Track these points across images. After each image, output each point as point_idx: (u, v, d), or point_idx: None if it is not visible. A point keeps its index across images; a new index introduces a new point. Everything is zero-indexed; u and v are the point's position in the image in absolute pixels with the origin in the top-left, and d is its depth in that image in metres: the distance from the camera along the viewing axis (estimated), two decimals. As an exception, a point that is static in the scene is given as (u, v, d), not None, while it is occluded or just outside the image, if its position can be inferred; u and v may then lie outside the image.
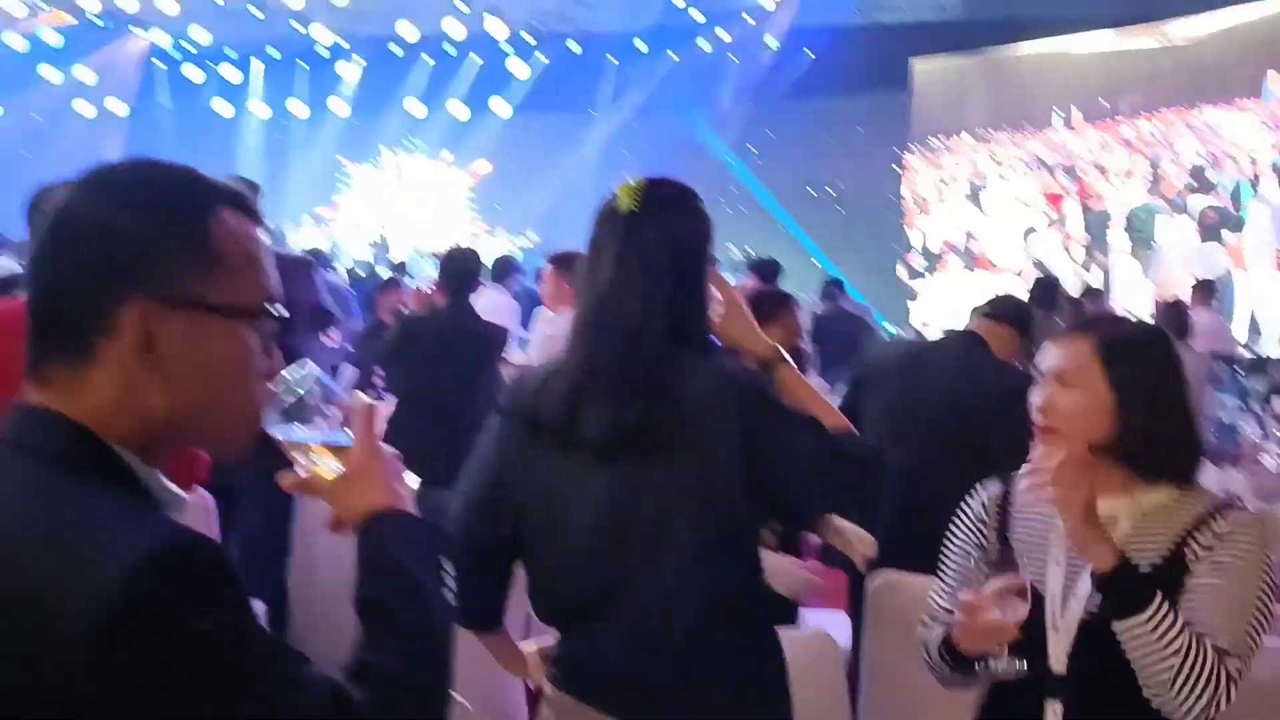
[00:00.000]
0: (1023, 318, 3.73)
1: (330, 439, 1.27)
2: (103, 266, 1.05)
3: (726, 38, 17.58)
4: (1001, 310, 3.75)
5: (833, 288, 10.22)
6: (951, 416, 3.48)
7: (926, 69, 16.73)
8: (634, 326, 1.84)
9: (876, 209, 17.59)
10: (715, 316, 1.94)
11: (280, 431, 1.24)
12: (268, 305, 1.13)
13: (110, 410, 1.05)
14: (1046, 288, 7.15)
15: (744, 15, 16.89)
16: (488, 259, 15.85)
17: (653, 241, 1.87)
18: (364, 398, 1.28)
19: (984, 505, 2.10)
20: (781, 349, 2.01)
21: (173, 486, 1.13)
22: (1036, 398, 1.94)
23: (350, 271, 17.00)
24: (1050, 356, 1.95)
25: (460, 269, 5.05)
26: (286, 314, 1.16)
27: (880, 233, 17.27)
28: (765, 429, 1.81)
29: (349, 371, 8.62)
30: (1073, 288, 10.52)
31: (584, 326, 1.91)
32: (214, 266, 1.08)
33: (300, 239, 18.89)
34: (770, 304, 3.55)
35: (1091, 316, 1.87)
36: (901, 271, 16.91)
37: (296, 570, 4.14)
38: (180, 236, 1.07)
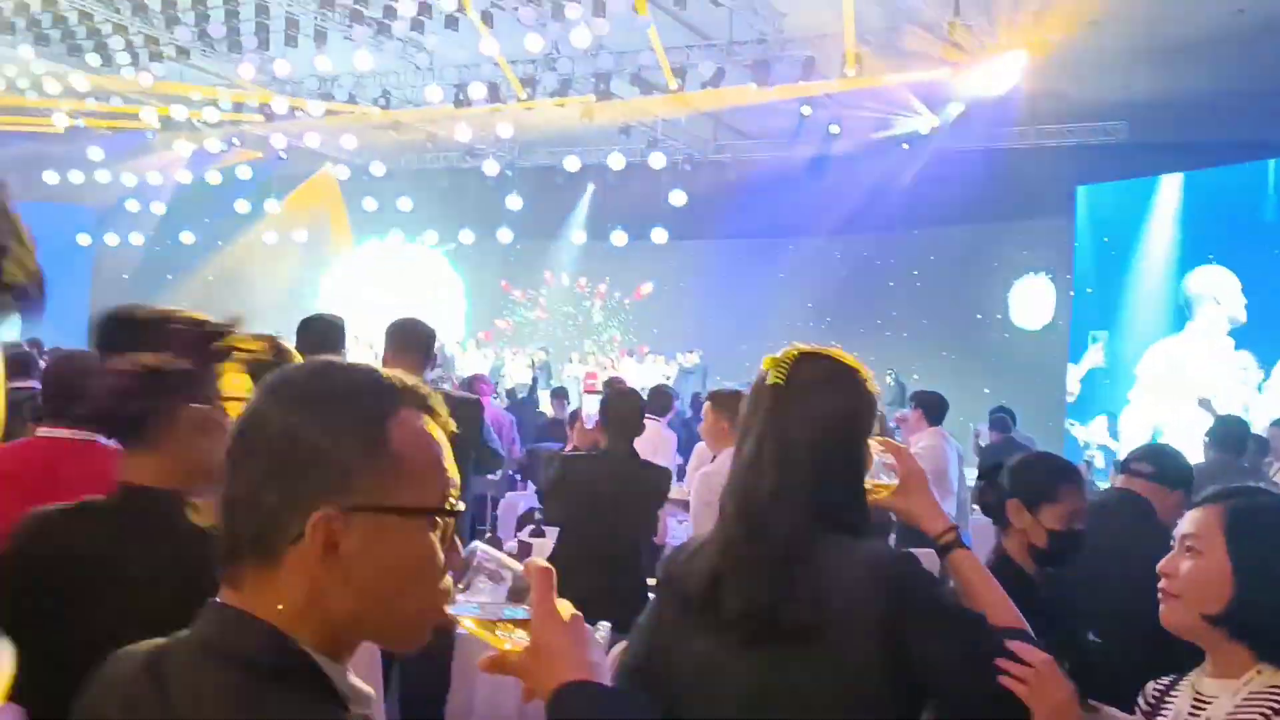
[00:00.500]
0: (1186, 479, 3.36)
1: (509, 614, 1.25)
2: (291, 477, 1.09)
3: (885, 162, 17.61)
4: (1163, 471, 3.36)
5: (1003, 416, 9.54)
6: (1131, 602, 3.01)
7: (1091, 194, 16.42)
8: (765, 506, 1.79)
9: (1041, 334, 17.21)
10: (882, 489, 1.89)
11: (461, 608, 1.22)
12: (447, 502, 1.15)
13: (298, 612, 1.09)
14: (1230, 430, 6.12)
15: (903, 144, 16.91)
16: (648, 379, 16.23)
17: (796, 419, 1.81)
18: (539, 562, 1.26)
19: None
20: (957, 529, 1.92)
21: (361, 684, 1.15)
22: (1164, 560, 1.90)
23: (510, 392, 17.46)
24: (1183, 522, 1.91)
25: (624, 412, 4.95)
26: (462, 507, 1.18)
27: (1043, 358, 16.85)
28: (914, 625, 1.69)
29: (507, 502, 8.75)
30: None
31: (725, 500, 1.88)
32: (395, 469, 1.11)
33: (467, 362, 19.50)
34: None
35: (1231, 486, 1.77)
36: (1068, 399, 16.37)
37: (455, 706, 4.18)
38: (363, 444, 1.10)
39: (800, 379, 1.84)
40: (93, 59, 15.11)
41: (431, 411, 1.18)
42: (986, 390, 15.29)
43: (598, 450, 5.08)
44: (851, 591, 1.71)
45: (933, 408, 7.30)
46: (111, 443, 1.94)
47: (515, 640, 1.25)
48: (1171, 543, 1.93)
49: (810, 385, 1.84)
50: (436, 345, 4.78)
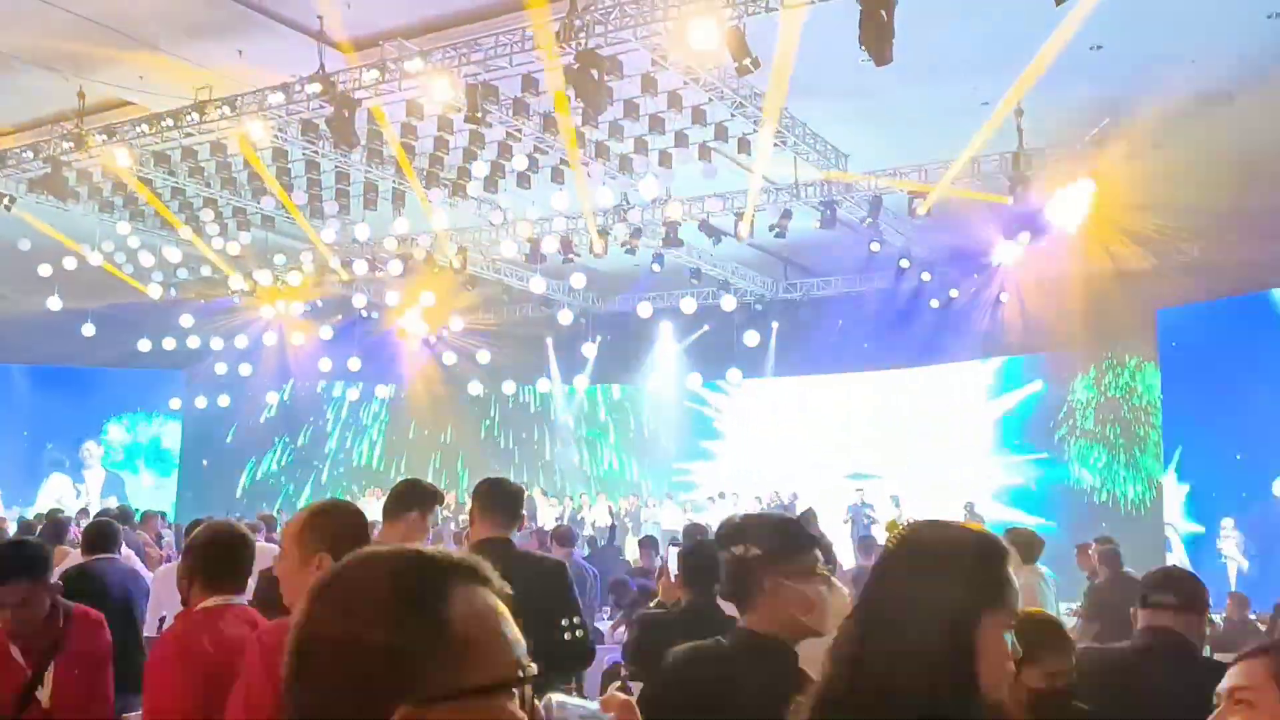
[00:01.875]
0: (1203, 602, 3.26)
1: None
2: (360, 684, 1.05)
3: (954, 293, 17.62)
4: (1185, 598, 3.23)
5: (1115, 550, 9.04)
6: None
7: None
8: (841, 679, 1.74)
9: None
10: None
11: None
12: (518, 670, 1.12)
13: None
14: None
15: (975, 274, 16.92)
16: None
17: (889, 593, 1.74)
18: (619, 696, 1.24)
19: None
20: None
21: None
22: (1212, 716, 1.79)
23: (590, 539, 17.38)
24: (1231, 676, 1.81)
25: (702, 564, 4.81)
26: (536, 670, 1.14)
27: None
28: None
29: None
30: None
31: (827, 656, 1.81)
32: (461, 651, 1.08)
33: (543, 513, 19.51)
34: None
35: (1275, 639, 1.70)
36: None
37: None
38: (425, 634, 1.07)
39: (908, 548, 1.76)
40: (185, 231, 15.80)
41: (485, 580, 1.16)
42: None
43: (678, 606, 4.88)
44: None
45: (1026, 545, 6.96)
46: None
47: None
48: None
49: (918, 554, 1.75)
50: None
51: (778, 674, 2.44)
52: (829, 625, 2.48)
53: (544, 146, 12.69)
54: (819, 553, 2.62)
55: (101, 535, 6.10)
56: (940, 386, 19.66)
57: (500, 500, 4.43)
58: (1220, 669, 2.78)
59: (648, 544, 11.41)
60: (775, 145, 12.35)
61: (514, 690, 1.11)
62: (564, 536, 9.28)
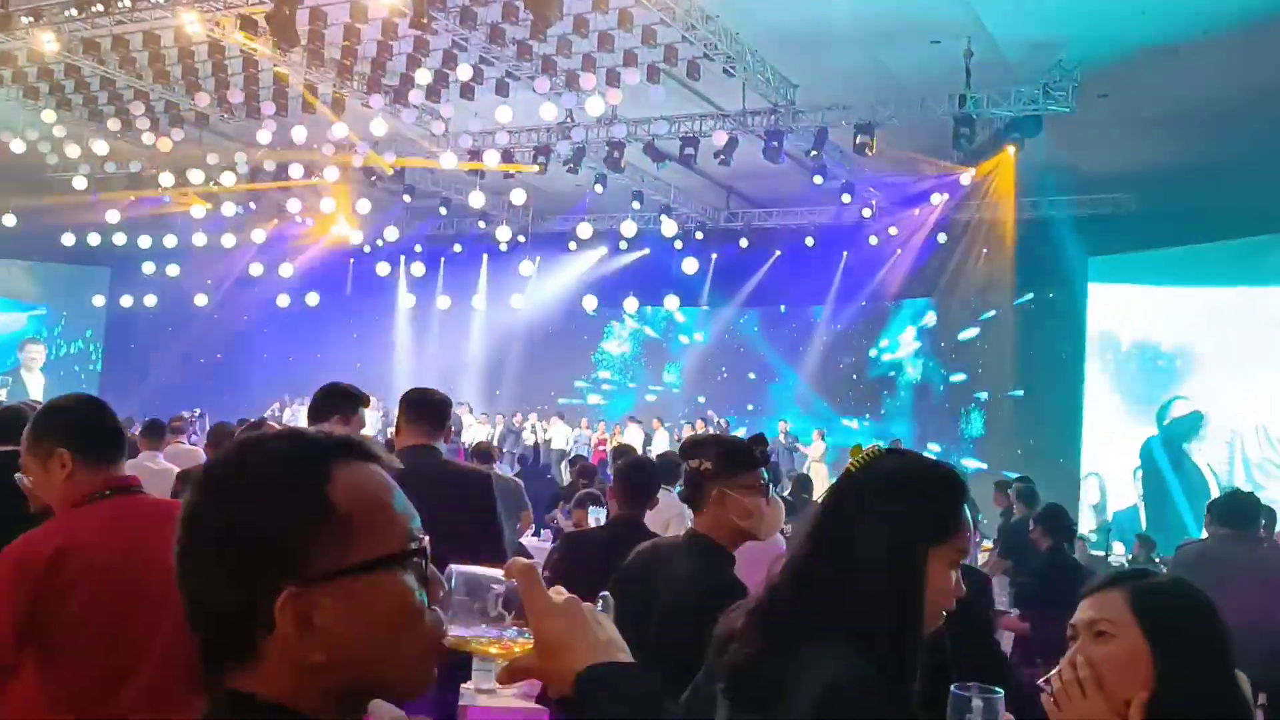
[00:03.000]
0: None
1: (512, 636, 1.20)
2: (241, 569, 1.05)
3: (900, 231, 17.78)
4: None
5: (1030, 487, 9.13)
6: None
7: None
8: (789, 589, 1.76)
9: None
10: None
11: (457, 635, 1.17)
12: (410, 542, 1.11)
13: (293, 689, 1.06)
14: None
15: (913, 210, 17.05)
16: (657, 447, 16.16)
17: (848, 511, 1.77)
18: (520, 561, 1.21)
19: None
20: None
21: None
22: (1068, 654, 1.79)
23: (521, 457, 17.43)
24: (1085, 608, 1.80)
25: (639, 481, 4.81)
26: (425, 539, 1.13)
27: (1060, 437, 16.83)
28: None
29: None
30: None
31: (772, 567, 1.84)
32: (345, 529, 1.07)
33: (472, 432, 19.49)
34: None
35: (1124, 570, 1.74)
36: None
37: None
38: (306, 514, 1.06)
39: (870, 473, 1.80)
40: (113, 124, 15.31)
41: (371, 457, 1.15)
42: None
43: (605, 525, 4.97)
44: (799, 694, 1.63)
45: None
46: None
47: (521, 643, 1.20)
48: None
49: (874, 481, 1.78)
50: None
51: (713, 568, 2.88)
52: (765, 532, 3.07)
53: (490, 58, 12.45)
54: (763, 471, 3.01)
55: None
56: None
57: (426, 409, 4.40)
58: None
59: (577, 463, 11.51)
60: (725, 72, 12.23)
61: (408, 563, 1.10)
62: (483, 453, 9.27)
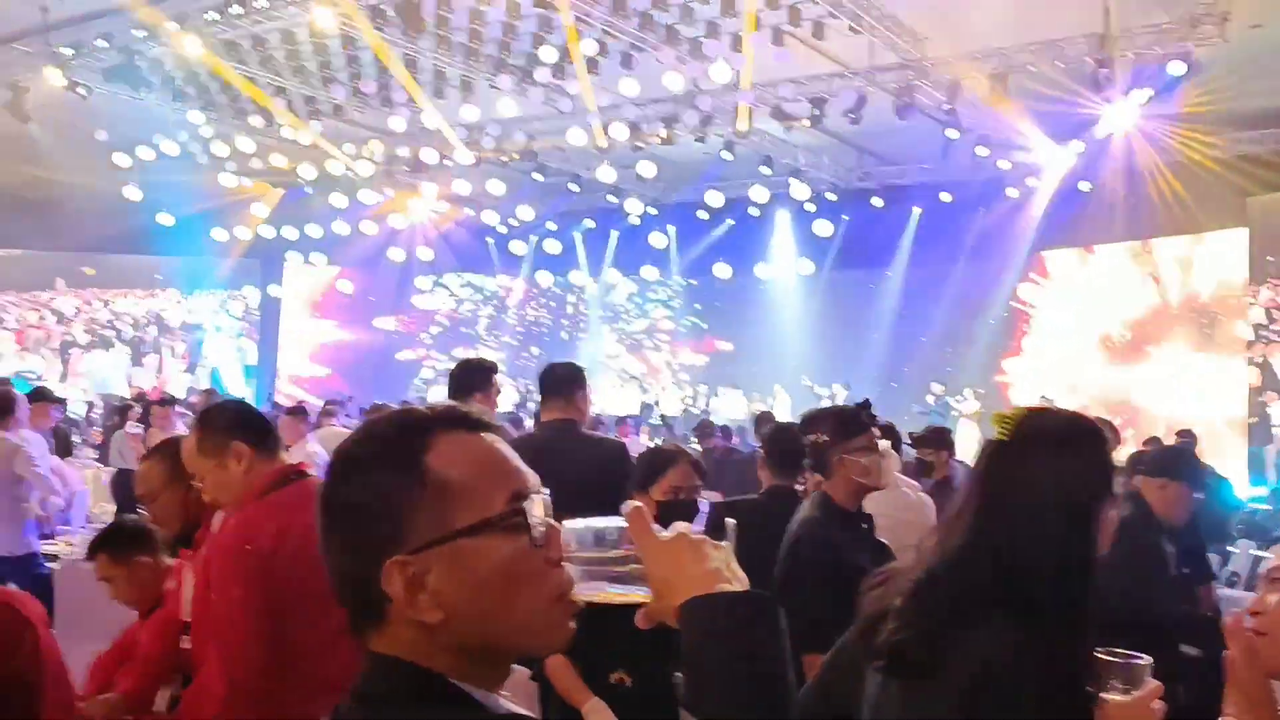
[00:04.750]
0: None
1: (637, 590, 1.23)
2: (355, 542, 1.13)
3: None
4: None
5: None
6: None
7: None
8: (950, 562, 1.72)
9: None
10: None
11: (586, 590, 1.20)
12: (515, 503, 1.14)
13: (423, 649, 1.11)
14: None
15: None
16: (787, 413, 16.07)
17: (1007, 478, 1.73)
18: (628, 505, 1.24)
19: None
20: None
21: (516, 708, 1.16)
22: (1254, 599, 1.78)
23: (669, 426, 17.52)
24: (1273, 557, 1.81)
25: (789, 449, 4.64)
26: (538, 499, 1.16)
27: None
28: None
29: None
30: None
31: (927, 539, 1.83)
32: (444, 495, 1.11)
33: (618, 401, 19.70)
34: None
35: None
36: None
37: None
38: (403, 486, 1.11)
39: (1024, 437, 1.76)
40: (255, 120, 15.86)
41: (477, 426, 1.19)
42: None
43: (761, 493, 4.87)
44: (959, 667, 1.61)
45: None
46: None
47: (644, 593, 1.22)
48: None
49: (1032, 446, 1.75)
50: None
51: (854, 530, 3.37)
52: (884, 482, 3.49)
53: (614, 32, 12.46)
54: (875, 430, 3.47)
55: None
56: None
57: (552, 383, 4.49)
58: None
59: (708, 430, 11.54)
60: (851, 30, 11.98)
61: (512, 524, 1.13)
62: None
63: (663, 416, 20.43)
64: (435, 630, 1.10)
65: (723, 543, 1.26)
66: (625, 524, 1.22)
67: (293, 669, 2.82)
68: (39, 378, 20.90)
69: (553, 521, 1.17)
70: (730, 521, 1.38)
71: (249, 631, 2.77)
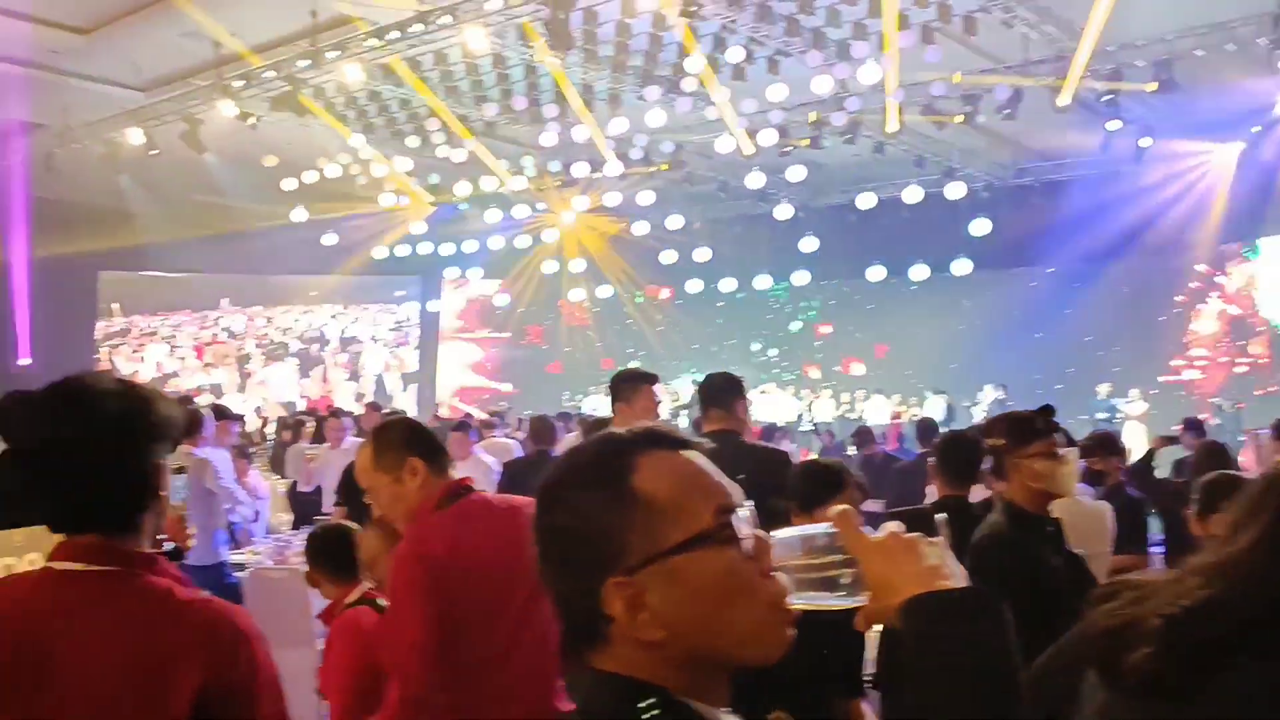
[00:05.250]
0: None
1: (854, 601, 1.24)
2: (573, 566, 1.16)
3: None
4: None
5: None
6: None
7: None
8: (1229, 597, 1.50)
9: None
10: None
11: (801, 600, 1.21)
12: (723, 517, 1.15)
13: (645, 665, 1.14)
14: None
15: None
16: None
17: None
18: (836, 508, 1.26)
19: None
20: None
21: None
22: None
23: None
24: None
25: (962, 458, 4.48)
26: (742, 511, 1.17)
27: None
28: None
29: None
30: None
31: (1195, 562, 1.64)
32: (653, 515, 1.14)
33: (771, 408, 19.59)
34: None
35: None
36: None
37: None
38: (614, 508, 1.14)
39: None
40: (411, 141, 16.37)
41: (677, 444, 1.21)
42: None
43: (931, 504, 4.75)
44: (1217, 706, 1.43)
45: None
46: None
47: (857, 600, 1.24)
48: None
49: None
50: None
51: (1040, 533, 3.35)
52: (1063, 489, 3.41)
53: (759, 38, 12.43)
54: (1054, 435, 3.41)
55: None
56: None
57: (713, 392, 4.52)
58: None
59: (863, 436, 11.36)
60: (1004, 25, 11.69)
61: (722, 538, 1.15)
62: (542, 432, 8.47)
63: (815, 424, 20.26)
64: (657, 647, 1.13)
65: (936, 538, 1.26)
66: (832, 529, 1.23)
67: (466, 680, 2.88)
68: (222, 391, 22.06)
69: (761, 533, 1.19)
70: (941, 516, 1.37)
71: (421, 641, 2.84)
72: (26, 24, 12.56)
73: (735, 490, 1.20)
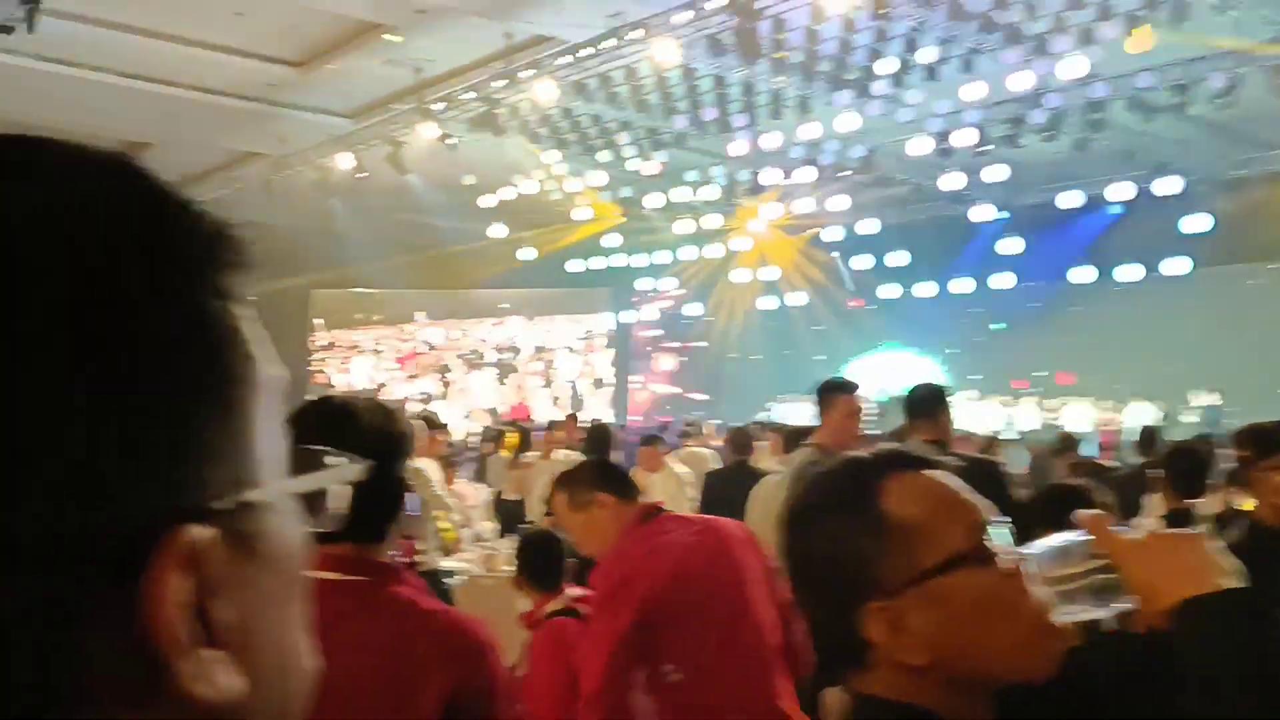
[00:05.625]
0: None
1: (1117, 608, 1.20)
2: (828, 593, 1.16)
3: None
4: None
5: None
6: None
7: None
8: None
9: None
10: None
11: (1066, 615, 1.18)
12: (977, 535, 1.13)
13: (909, 688, 1.13)
14: None
15: None
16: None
17: None
18: (1084, 513, 1.21)
19: None
20: None
21: None
22: None
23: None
24: None
25: (1189, 469, 4.38)
26: (1005, 521, 1.15)
27: None
28: None
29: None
30: None
31: None
32: (906, 538, 1.12)
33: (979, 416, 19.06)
34: None
35: None
36: None
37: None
38: (866, 534, 1.13)
39: None
40: (603, 155, 16.66)
41: (921, 464, 1.20)
42: None
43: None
44: None
45: None
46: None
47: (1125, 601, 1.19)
48: None
49: None
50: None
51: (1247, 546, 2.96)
52: None
53: (952, 36, 12.12)
54: None
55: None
56: None
57: (920, 404, 4.45)
58: None
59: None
60: (1213, 9, 11.04)
61: (981, 557, 1.13)
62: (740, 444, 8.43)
63: (1021, 433, 19.55)
64: (921, 670, 1.12)
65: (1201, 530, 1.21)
66: (1084, 536, 1.20)
67: (669, 699, 2.92)
68: (430, 398, 23.05)
69: (1017, 548, 1.16)
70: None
71: (611, 660, 2.91)
72: (247, 60, 13.43)
73: (986, 506, 1.17)
